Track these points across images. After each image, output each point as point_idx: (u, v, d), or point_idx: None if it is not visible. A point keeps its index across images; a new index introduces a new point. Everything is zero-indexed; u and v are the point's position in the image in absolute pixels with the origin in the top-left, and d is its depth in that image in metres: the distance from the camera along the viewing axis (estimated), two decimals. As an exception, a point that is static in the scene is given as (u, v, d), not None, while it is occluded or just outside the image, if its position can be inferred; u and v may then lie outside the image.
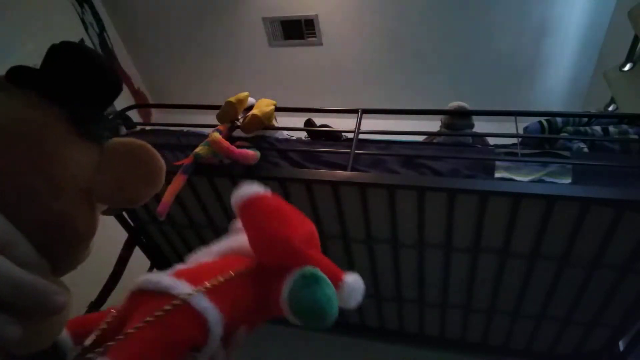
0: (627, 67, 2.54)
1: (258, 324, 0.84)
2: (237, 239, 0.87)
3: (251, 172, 1.67)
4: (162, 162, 0.48)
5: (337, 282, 0.80)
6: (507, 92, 3.84)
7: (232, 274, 0.77)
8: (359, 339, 2.46)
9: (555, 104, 3.79)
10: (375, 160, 1.73)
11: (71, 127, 0.42)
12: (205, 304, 0.73)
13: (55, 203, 0.40)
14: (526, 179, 1.55)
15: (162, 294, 0.70)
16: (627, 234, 1.52)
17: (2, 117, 0.39)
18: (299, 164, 1.76)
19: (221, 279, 0.75)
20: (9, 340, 0.32)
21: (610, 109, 2.84)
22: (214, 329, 0.72)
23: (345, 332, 2.46)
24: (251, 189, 0.85)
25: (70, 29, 3.60)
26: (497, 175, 1.59)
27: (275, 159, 1.79)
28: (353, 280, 0.81)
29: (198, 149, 1.67)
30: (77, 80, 0.43)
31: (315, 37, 3.90)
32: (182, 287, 0.71)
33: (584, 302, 1.84)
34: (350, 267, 1.99)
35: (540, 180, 1.54)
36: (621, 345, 2.10)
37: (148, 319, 0.66)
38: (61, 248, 0.42)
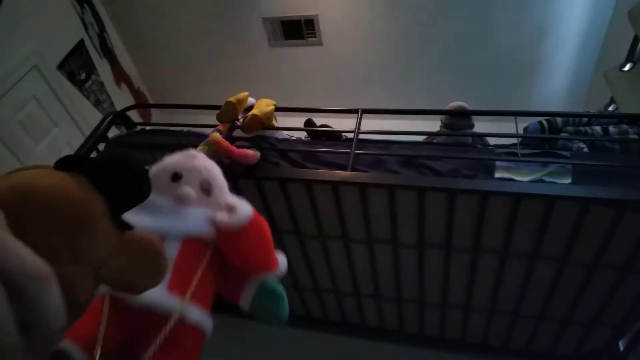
0: (627, 67, 2.54)
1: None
2: (184, 222, 1.02)
3: (251, 172, 1.67)
4: (167, 261, 0.57)
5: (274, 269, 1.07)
6: (507, 92, 3.84)
7: (200, 274, 0.97)
8: (359, 339, 2.46)
9: (555, 104, 3.79)
10: (375, 160, 1.73)
11: (107, 212, 0.50)
12: (197, 315, 0.95)
13: (70, 268, 0.44)
14: (526, 179, 1.55)
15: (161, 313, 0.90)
16: (627, 234, 1.52)
17: (57, 184, 0.46)
18: (299, 164, 1.75)
19: (195, 282, 0.96)
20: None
21: (610, 109, 2.84)
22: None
23: (345, 332, 2.46)
24: (249, 208, 1.02)
25: (70, 29, 3.60)
26: (497, 175, 1.59)
27: (275, 159, 1.79)
28: (282, 265, 1.09)
29: (198, 149, 1.67)
30: (121, 185, 0.53)
31: (315, 37, 3.90)
32: (174, 302, 0.92)
33: (584, 302, 1.84)
34: (350, 267, 2.00)
35: (540, 180, 1.54)
36: (621, 345, 2.10)
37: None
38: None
